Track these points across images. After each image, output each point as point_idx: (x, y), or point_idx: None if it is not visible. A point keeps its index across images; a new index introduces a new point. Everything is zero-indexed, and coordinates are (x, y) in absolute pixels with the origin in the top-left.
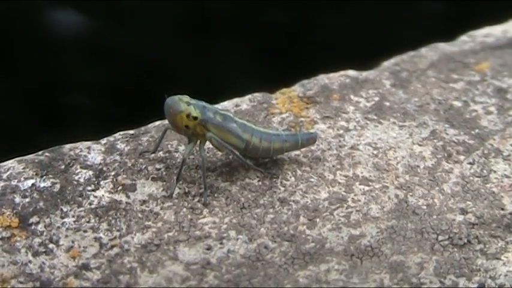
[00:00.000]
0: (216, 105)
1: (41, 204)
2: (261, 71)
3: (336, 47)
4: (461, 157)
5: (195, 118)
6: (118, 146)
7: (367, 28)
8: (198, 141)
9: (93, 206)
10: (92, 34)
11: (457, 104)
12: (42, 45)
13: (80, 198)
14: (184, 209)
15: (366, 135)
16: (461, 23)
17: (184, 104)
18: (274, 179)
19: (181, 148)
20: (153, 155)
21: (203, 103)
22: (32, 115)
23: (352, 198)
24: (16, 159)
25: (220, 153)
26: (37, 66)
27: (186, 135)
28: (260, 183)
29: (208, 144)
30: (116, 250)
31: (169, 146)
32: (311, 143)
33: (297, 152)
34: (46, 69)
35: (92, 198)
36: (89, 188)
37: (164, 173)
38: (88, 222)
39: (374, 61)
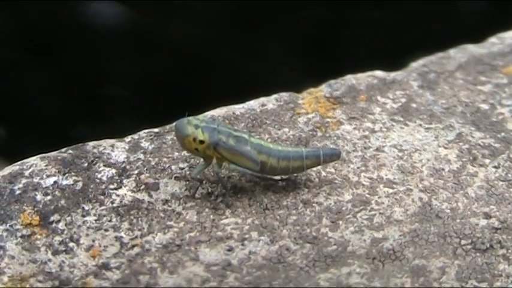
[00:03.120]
0: (242, 105)
1: (63, 202)
2: (296, 64)
3: (370, 43)
4: (487, 161)
5: (202, 142)
6: (142, 144)
7: (401, 26)
8: (214, 161)
9: (115, 205)
10: (132, 25)
11: (484, 106)
12: (82, 36)
13: (102, 197)
14: (207, 209)
15: (392, 137)
16: (491, 24)
17: (192, 127)
18: (298, 181)
19: None
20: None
21: (215, 125)
22: (70, 106)
23: (376, 201)
24: (39, 156)
25: None
26: (76, 57)
27: (199, 156)
28: (284, 183)
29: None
30: (136, 250)
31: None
32: (334, 159)
33: None
34: (85, 60)
35: (114, 196)
36: (112, 186)
37: (188, 172)
38: (109, 221)
39: (407, 59)
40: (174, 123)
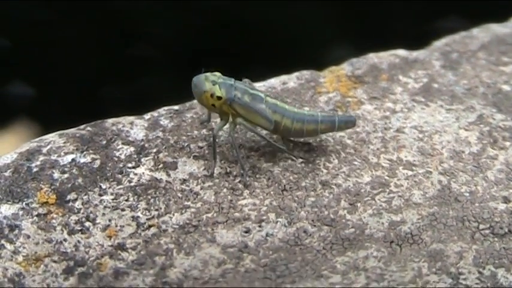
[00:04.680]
0: (263, 82)
1: (80, 180)
2: (331, 28)
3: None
4: (507, 143)
5: (219, 98)
6: (161, 122)
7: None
8: (230, 119)
9: (132, 184)
10: None
11: (506, 88)
12: None
13: (120, 176)
14: (225, 190)
15: (413, 117)
16: None
17: (209, 83)
18: (317, 161)
19: (226, 126)
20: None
21: (232, 81)
22: (101, 65)
23: (395, 183)
24: (57, 132)
25: (264, 132)
26: (108, 16)
27: (215, 112)
28: (303, 165)
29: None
30: (153, 230)
31: (213, 123)
32: (350, 126)
33: (342, 134)
34: (117, 19)
35: (131, 175)
36: (130, 165)
37: (206, 151)
38: (126, 200)
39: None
40: (192, 81)
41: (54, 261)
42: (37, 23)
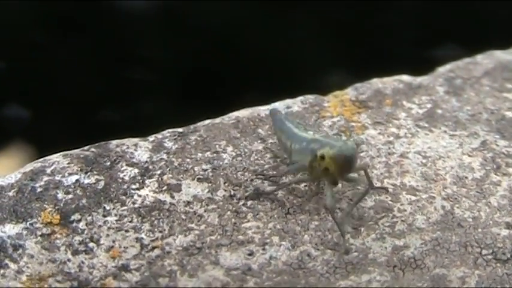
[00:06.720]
0: (267, 106)
1: (84, 201)
2: (326, 50)
3: (402, 31)
4: (510, 169)
5: None
6: (165, 144)
7: (431, 14)
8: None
9: (136, 206)
10: (161, 8)
11: (510, 114)
12: (112, 18)
13: (124, 197)
14: (229, 212)
15: (416, 143)
16: None
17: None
18: (321, 185)
19: (230, 149)
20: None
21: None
22: (97, 88)
23: (398, 208)
24: (61, 153)
25: (268, 155)
26: (105, 40)
27: (307, 181)
28: (307, 188)
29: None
30: (156, 252)
31: (217, 146)
32: None
33: None
34: (114, 43)
35: (135, 197)
36: (134, 186)
37: (210, 174)
38: (130, 221)
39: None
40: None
41: (58, 281)
42: (33, 46)
